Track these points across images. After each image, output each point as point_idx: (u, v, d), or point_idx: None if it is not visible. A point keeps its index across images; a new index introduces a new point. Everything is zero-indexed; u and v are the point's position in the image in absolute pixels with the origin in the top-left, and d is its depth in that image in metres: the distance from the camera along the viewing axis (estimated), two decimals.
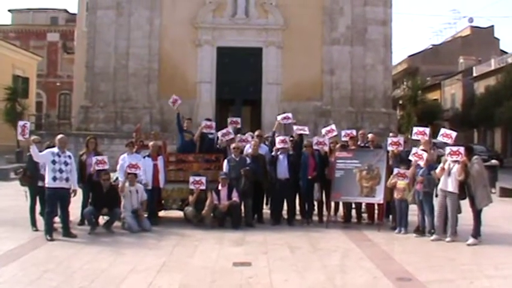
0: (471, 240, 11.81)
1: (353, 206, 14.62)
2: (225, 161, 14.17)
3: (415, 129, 13.79)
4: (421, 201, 12.63)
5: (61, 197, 12.10)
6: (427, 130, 13.78)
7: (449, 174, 12.06)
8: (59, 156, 12.02)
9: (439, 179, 12.41)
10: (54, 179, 11.87)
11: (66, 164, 12.04)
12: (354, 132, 15.15)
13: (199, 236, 12.47)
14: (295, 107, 32.50)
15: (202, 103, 34.25)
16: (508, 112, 38.98)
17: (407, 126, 42.39)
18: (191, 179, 13.61)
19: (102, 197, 12.94)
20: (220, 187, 13.66)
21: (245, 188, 13.78)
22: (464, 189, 12.07)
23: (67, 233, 12.10)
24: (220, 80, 35.04)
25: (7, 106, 39.30)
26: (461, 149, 12.06)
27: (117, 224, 13.19)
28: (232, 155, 14.15)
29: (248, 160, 14.15)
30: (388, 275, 9.28)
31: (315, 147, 14.29)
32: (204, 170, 14.30)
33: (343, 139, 14.96)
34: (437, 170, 12.34)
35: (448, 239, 11.96)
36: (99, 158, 13.29)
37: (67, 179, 12.05)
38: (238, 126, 16.02)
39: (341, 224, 14.29)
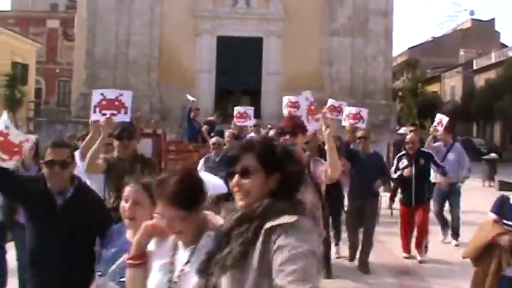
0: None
1: None
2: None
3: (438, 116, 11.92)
4: None
5: None
6: (444, 119, 11.44)
7: None
8: None
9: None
10: None
11: None
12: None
13: None
14: None
15: (202, 92, 34.01)
16: (508, 106, 39.05)
17: (407, 118, 42.46)
18: None
19: None
20: None
21: None
22: None
23: None
24: (220, 69, 34.82)
25: (6, 93, 39.27)
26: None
27: None
28: (212, 154, 10.89)
29: None
30: None
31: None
32: None
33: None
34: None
35: None
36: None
37: None
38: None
39: None
